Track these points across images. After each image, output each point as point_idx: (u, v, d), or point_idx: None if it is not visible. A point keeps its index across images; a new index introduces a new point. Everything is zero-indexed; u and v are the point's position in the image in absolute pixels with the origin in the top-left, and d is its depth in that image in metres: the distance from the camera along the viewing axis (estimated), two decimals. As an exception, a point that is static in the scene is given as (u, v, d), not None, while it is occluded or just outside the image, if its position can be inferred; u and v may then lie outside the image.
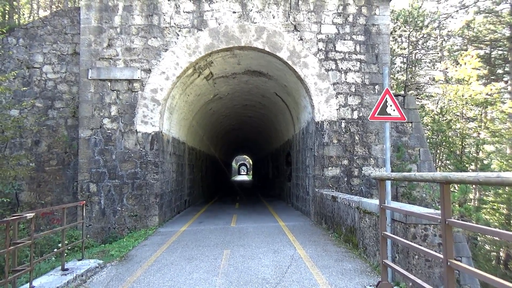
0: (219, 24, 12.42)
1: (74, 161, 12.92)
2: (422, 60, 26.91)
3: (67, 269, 6.28)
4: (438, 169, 19.68)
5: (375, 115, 6.47)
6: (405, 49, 25.36)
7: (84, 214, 7.52)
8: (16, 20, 18.74)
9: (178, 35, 12.42)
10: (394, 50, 25.51)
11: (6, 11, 17.87)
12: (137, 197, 12.01)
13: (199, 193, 21.40)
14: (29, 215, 4.93)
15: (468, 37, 24.47)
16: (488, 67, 23.32)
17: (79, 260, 7.13)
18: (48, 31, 13.11)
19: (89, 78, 12.27)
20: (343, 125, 12.45)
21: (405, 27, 24.15)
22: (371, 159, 12.37)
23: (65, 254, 7.26)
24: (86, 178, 12.15)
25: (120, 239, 11.19)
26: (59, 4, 23.78)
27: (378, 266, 6.48)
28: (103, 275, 6.78)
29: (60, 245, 9.37)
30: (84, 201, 7.79)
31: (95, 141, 12.25)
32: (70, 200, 12.85)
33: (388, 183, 6.23)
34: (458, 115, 19.92)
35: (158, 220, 12.01)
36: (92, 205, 12.10)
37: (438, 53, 26.07)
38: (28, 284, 5.15)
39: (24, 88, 13.19)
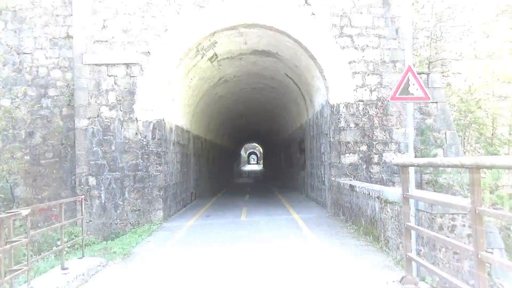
0: (223, 1, 12.26)
1: (71, 153, 12.98)
2: (448, 34, 26.62)
3: (67, 268, 6.34)
4: (466, 153, 19.33)
5: (396, 95, 6.37)
6: (428, 21, 24.96)
7: (83, 210, 7.52)
8: (3, 1, 18.90)
9: (178, 13, 12.33)
10: (417, 23, 24.83)
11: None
12: (139, 191, 12.13)
13: (206, 185, 21.51)
14: (25, 211, 4.98)
15: (499, 7, 24.07)
16: (521, 39, 23.80)
17: (79, 258, 7.20)
18: (39, 14, 13.04)
19: (84, 63, 12.25)
20: (360, 107, 12.41)
21: (428, -4, 24.46)
22: (392, 144, 12.35)
23: (65, 252, 7.13)
24: (85, 171, 12.23)
25: (122, 235, 11.25)
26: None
27: (402, 260, 6.44)
28: (105, 274, 6.82)
29: (59, 243, 9.47)
30: (83, 196, 7.84)
31: (92, 131, 12.32)
32: (69, 195, 12.95)
33: (412, 169, 6.18)
34: (488, 94, 19.59)
35: (162, 214, 12.08)
36: (92, 200, 12.23)
37: (465, 25, 25.70)
38: (27, 284, 5.22)
39: (14, 74, 12.95)
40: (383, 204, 7.46)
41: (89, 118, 12.29)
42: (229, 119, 27.47)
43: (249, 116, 29.23)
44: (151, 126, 12.20)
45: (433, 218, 5.49)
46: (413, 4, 23.45)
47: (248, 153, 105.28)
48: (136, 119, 12.16)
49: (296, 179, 20.83)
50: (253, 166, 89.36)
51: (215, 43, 13.15)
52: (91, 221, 12.13)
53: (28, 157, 12.73)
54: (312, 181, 15.67)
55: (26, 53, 13.11)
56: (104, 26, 12.25)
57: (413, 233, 5.91)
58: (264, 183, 30.14)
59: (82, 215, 7.43)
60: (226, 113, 24.64)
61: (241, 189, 24.95)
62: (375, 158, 12.33)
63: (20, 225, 10.37)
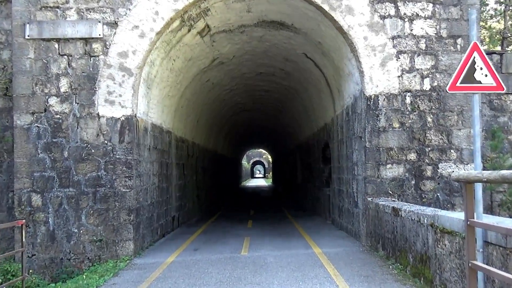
0: (218, -48, 12.78)
1: (8, 161, 12.88)
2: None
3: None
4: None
5: (458, 84, 6.39)
6: (502, -18, 24.53)
7: (24, 239, 7.52)
8: None
9: (156, -30, 13.15)
10: (486, -16, 24.84)
11: None
12: (101, 214, 12.07)
13: (194, 206, 21.45)
14: None
15: None
16: None
17: (18, 307, 7.36)
18: (-34, -30, 13.72)
19: (26, 37, 12.30)
20: (408, 100, 12.39)
21: None
22: (452, 151, 12.35)
23: (-3, 300, 7.31)
24: (27, 186, 12.14)
25: (78, 275, 11.14)
26: None
27: (465, 313, 6.69)
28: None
29: (-10, 285, 9.86)
30: (24, 220, 7.88)
31: (38, 132, 12.30)
32: (4, 219, 12.82)
33: (479, 187, 6.14)
34: None
35: (133, 246, 12.04)
36: (36, 226, 12.16)
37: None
38: None
39: None
40: (438, 235, 7.47)
41: (33, 113, 12.31)
42: (226, 116, 27.25)
43: (254, 111, 29.01)
44: (119, 125, 12.22)
45: (508, 255, 5.48)
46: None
47: (252, 163, 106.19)
48: (98, 115, 12.21)
49: (318, 199, 20.70)
50: (259, 181, 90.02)
51: (207, 10, 13.19)
52: (34, 255, 12.11)
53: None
54: (340, 202, 15.56)
55: None
56: (54, -13, 13.11)
57: (480, 275, 5.81)
58: (273, 204, 30.00)
59: (22, 246, 7.41)
60: (222, 107, 24.44)
61: (242, 211, 24.91)
62: (428, 171, 12.32)
63: None
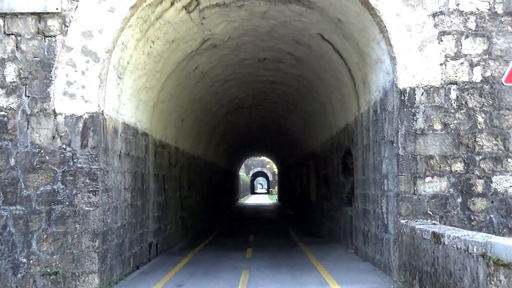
0: None
1: None
2: None
3: None
4: None
5: (517, 74, 6.40)
6: None
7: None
8: None
9: None
10: None
11: None
12: (57, 239, 11.94)
13: (178, 229, 21.57)
14: None
15: None
16: None
17: None
18: None
19: (-37, 12, 13.07)
20: (452, 94, 12.34)
21: None
22: (509, 160, 12.23)
23: None
24: (-38, 203, 12.80)
25: (26, 318, 11.29)
26: None
27: None
28: None
29: None
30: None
31: (-24, 133, 13.03)
32: None
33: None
34: None
35: (98, 281, 11.92)
36: (-27, 254, 12.87)
37: None
38: None
39: None
40: (492, 268, 7.40)
41: (-29, 110, 13.09)
42: (219, 115, 27.44)
43: (254, 109, 29.32)
44: (81, 124, 12.14)
45: None
46: None
47: (253, 175, 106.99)
48: (54, 112, 12.14)
49: (337, 222, 20.87)
50: (261, 198, 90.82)
51: (196, -22, 13.56)
52: (-29, 291, 12.80)
53: None
54: (365, 226, 15.62)
55: None
56: None
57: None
58: (279, 227, 30.06)
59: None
60: (214, 103, 24.56)
61: (240, 237, 24.99)
62: (479, 186, 12.26)
63: None
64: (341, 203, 19.98)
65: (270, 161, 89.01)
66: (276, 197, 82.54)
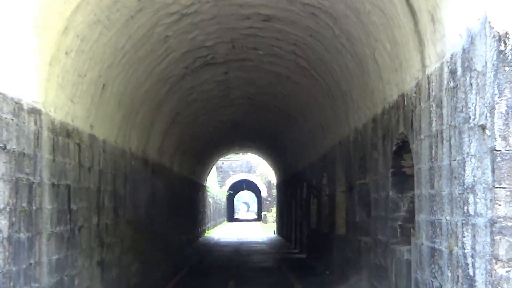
0: None
1: None
2: None
3: None
4: None
5: None
6: None
7: None
8: None
9: None
10: None
11: None
12: None
13: (93, 285, 19.65)
14: None
15: None
16: None
17: None
18: None
19: None
20: None
21: None
22: None
23: None
24: None
25: None
26: None
27: None
28: None
29: None
30: None
31: None
32: None
33: None
34: None
35: None
36: None
37: None
38: None
39: None
40: None
41: None
42: (170, 78, 25.31)
43: (234, 66, 27.10)
44: None
45: None
46: None
47: (232, 188, 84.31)
48: None
49: (382, 271, 19.10)
50: (246, 228, 73.49)
51: None
52: None
53: None
54: (434, 278, 13.91)
55: None
56: None
57: None
58: (279, 283, 26.87)
59: None
60: (160, 56, 22.47)
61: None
62: None
63: None
64: (391, 238, 18.01)
65: (263, 161, 66.91)
66: (273, 227, 66.17)
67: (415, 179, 15.61)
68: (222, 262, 34.90)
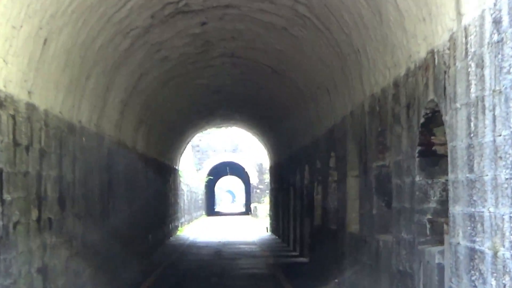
0: None
1: None
2: None
3: None
4: None
5: None
6: None
7: None
8: None
9: None
10: None
11: None
12: None
13: None
14: None
15: None
16: None
17: None
18: None
19: None
20: None
21: None
22: None
23: None
24: None
25: None
26: None
27: None
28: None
29: None
30: None
31: None
32: None
33: None
34: None
35: None
36: None
37: None
38: None
39: None
40: None
41: None
42: (133, 30, 24.91)
43: (214, 14, 26.53)
44: None
45: None
46: None
47: (212, 172, 78.47)
48: None
49: (408, 278, 18.67)
50: (231, 224, 69.94)
51: None
52: None
53: None
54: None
55: None
56: None
57: None
58: None
59: None
60: (134, 16, 22.72)
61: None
62: None
63: None
64: (418, 236, 17.49)
65: (252, 138, 63.49)
66: (266, 222, 62.59)
67: (449, 160, 14.90)
68: (199, 270, 33.65)
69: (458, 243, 14.43)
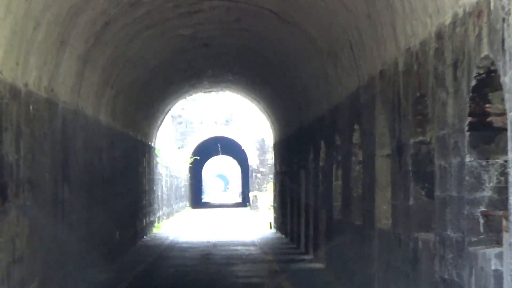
0: None
1: None
2: None
3: None
4: None
5: None
6: None
7: None
8: None
9: None
10: None
11: None
12: None
13: None
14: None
15: None
16: None
17: None
18: None
19: None
20: None
21: None
22: None
23: None
24: None
25: None
26: None
27: None
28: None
29: None
30: None
31: None
32: None
33: None
34: None
35: None
36: None
37: None
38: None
39: None
40: None
41: None
42: None
43: None
44: None
45: None
46: None
47: (199, 150, 72.20)
48: None
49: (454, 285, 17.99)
50: (223, 219, 65.47)
51: None
52: None
53: None
54: None
55: None
56: None
57: None
58: None
59: None
60: None
61: None
62: None
63: None
64: (469, 235, 16.81)
65: (251, 106, 61.12)
66: (270, 217, 58.65)
67: (508, 135, 14.00)
68: (181, 280, 32.92)
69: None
